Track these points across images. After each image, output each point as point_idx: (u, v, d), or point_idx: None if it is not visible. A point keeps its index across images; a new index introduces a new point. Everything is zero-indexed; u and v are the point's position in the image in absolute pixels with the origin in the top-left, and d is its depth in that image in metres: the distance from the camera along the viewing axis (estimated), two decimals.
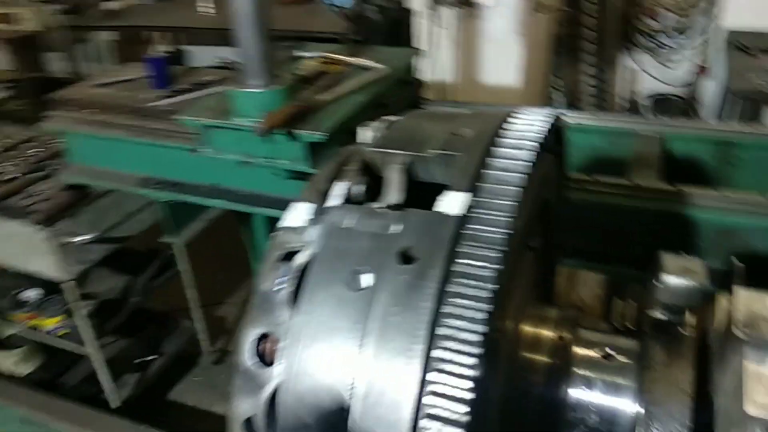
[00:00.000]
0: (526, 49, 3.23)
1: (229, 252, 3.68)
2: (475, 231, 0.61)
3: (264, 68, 1.52)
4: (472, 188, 0.65)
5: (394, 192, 0.70)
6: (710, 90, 3.75)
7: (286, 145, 1.54)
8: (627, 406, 0.74)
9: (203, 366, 3.11)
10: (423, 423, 0.55)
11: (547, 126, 0.74)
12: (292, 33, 3.45)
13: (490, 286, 0.57)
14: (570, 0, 3.51)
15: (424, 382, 0.56)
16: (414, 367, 0.56)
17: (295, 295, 0.65)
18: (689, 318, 0.78)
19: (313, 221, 0.70)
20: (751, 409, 0.63)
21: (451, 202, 0.64)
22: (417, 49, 2.01)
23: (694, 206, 1.36)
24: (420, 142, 0.74)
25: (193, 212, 2.19)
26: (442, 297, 0.58)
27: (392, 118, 0.85)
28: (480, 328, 0.56)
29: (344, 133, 1.56)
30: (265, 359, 0.66)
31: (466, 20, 3.22)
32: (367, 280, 0.62)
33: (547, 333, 0.80)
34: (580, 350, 0.79)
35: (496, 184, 0.65)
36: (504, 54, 3.24)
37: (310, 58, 1.87)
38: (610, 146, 1.82)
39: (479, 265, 0.58)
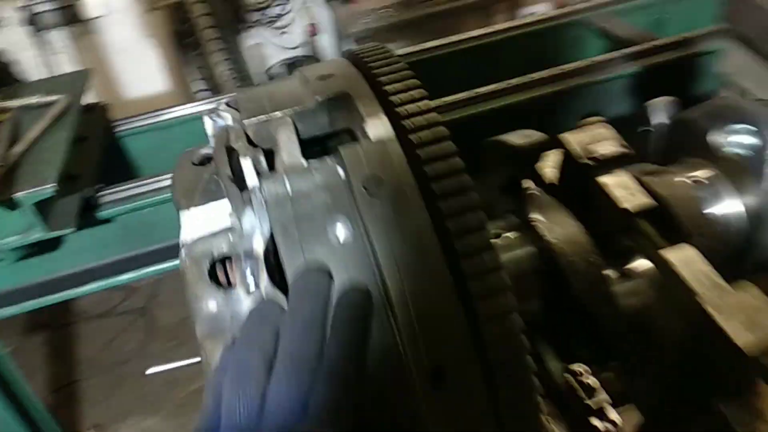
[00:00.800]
0: (157, 50, 3.10)
1: None
2: (419, 140, 0.62)
3: None
4: (388, 111, 0.66)
5: (293, 151, 0.66)
6: (327, 43, 4.19)
7: (6, 217, 1.23)
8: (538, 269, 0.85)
9: None
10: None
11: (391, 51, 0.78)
12: None
13: (466, 176, 0.60)
14: None
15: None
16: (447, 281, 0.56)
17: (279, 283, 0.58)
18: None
19: (241, 208, 0.62)
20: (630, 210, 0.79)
21: (380, 128, 0.64)
22: (85, 71, 1.76)
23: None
24: (292, 100, 0.70)
25: None
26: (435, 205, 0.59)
27: (226, 97, 0.79)
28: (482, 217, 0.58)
29: (64, 180, 1.32)
30: None
31: (82, 38, 2.90)
32: (345, 229, 0.58)
33: None
34: None
35: (409, 100, 0.66)
36: (138, 61, 3.05)
37: None
38: None
39: (447, 163, 0.61)
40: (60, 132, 1.42)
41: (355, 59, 0.76)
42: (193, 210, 0.66)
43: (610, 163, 0.85)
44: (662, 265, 0.72)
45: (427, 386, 0.53)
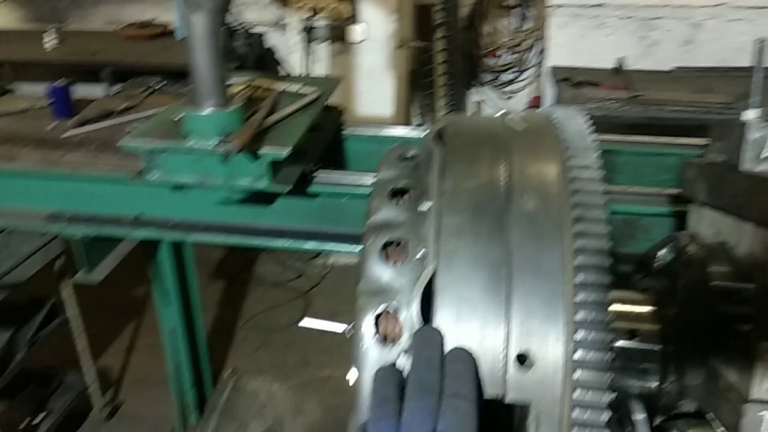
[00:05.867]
0: (393, 81, 3.51)
1: (107, 299, 3.43)
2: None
3: (220, 90, 1.55)
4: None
5: None
6: None
7: (247, 164, 1.57)
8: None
9: (93, 421, 2.84)
10: None
11: None
12: (156, 68, 3.39)
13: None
14: (425, 38, 3.89)
15: None
16: None
17: None
18: None
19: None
20: None
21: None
22: (338, 78, 2.14)
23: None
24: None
25: (104, 249, 2.05)
26: None
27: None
28: None
29: (294, 152, 1.64)
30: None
31: (338, 55, 3.41)
32: None
33: None
34: None
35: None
36: (376, 86, 3.49)
37: (233, 84, 1.91)
38: None
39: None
40: (305, 116, 1.76)
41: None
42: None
43: None
44: None
45: None
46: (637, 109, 3.54)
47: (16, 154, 1.85)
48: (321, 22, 3.25)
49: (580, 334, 0.69)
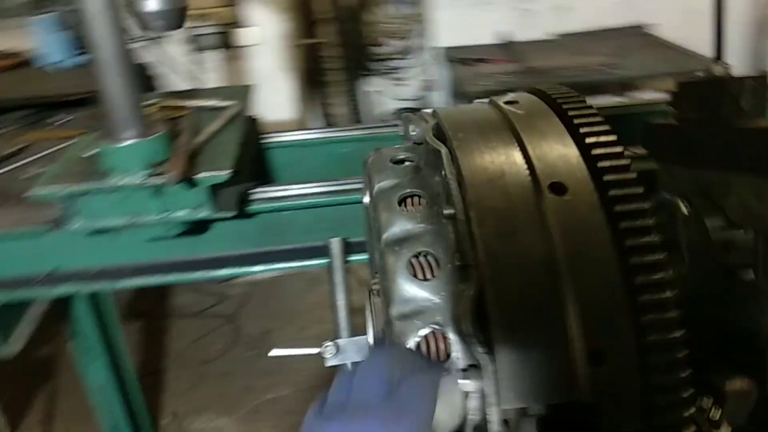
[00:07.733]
0: (291, 82, 3.39)
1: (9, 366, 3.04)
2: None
3: (138, 117, 1.38)
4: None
5: None
6: (438, 99, 4.42)
7: (183, 194, 1.42)
8: None
9: None
10: None
11: None
12: (23, 100, 3.03)
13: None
14: (312, 35, 3.80)
15: None
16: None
17: None
18: None
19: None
20: None
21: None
22: (249, 85, 2.00)
23: None
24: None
25: (16, 315, 1.79)
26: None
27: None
28: None
29: (234, 173, 1.50)
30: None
31: (230, 62, 3.24)
32: None
33: None
34: None
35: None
36: (274, 89, 3.35)
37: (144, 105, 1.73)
38: None
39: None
40: (233, 132, 1.63)
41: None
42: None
43: None
44: None
45: None
46: (530, 79, 3.66)
47: None
48: (207, 30, 3.05)
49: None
